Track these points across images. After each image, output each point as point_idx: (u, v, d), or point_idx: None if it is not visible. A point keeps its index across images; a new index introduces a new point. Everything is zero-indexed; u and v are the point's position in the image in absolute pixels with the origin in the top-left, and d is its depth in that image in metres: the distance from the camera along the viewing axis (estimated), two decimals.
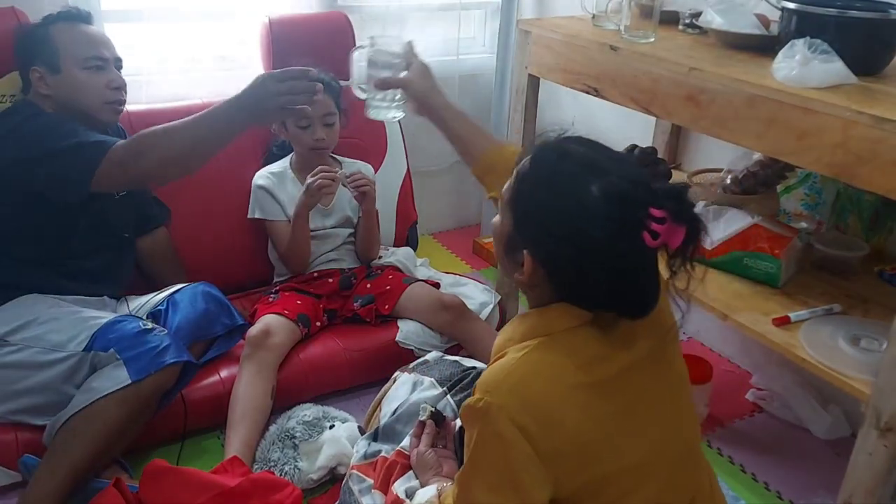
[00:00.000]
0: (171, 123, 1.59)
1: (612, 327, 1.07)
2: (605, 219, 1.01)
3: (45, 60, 1.73)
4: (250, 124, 1.59)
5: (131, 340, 1.60)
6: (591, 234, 1.01)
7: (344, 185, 2.07)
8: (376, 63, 1.43)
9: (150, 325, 1.67)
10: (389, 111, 1.47)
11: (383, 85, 1.44)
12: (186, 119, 1.59)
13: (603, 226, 1.01)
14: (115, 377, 1.55)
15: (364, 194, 2.09)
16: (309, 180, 2.02)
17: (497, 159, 1.41)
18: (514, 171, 1.11)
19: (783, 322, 1.58)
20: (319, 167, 2.03)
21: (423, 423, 1.49)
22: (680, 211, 1.00)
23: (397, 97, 1.46)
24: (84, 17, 1.81)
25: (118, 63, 1.82)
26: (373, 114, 1.48)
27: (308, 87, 1.52)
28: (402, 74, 1.45)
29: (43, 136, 1.63)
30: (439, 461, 1.41)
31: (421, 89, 1.45)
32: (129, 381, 1.54)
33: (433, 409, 1.51)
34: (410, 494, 1.38)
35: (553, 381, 1.04)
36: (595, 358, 1.06)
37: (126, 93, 1.83)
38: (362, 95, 1.48)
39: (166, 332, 1.68)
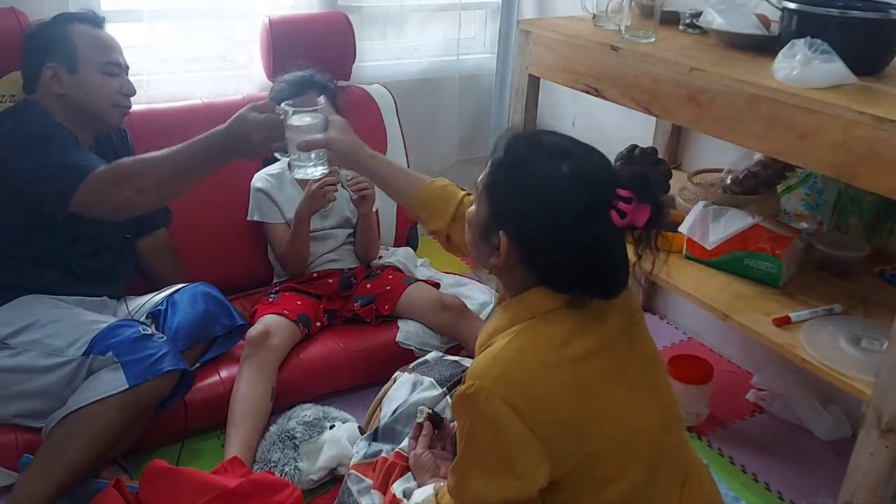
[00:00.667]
0: (153, 154, 1.58)
1: (587, 308, 1.12)
2: (575, 195, 1.07)
3: (63, 59, 1.73)
4: (233, 158, 1.57)
5: (130, 345, 1.59)
6: (562, 210, 1.07)
7: (344, 187, 2.06)
8: (297, 128, 1.47)
9: (149, 330, 1.66)
10: (317, 169, 1.52)
11: (307, 147, 1.47)
12: (168, 150, 1.57)
13: (573, 202, 1.07)
14: (113, 381, 1.55)
15: (364, 198, 2.09)
16: (312, 186, 2.02)
17: (430, 195, 1.46)
18: (489, 162, 1.16)
19: (784, 322, 1.57)
20: (311, 186, 2.02)
21: (420, 426, 1.50)
22: (644, 191, 1.07)
23: (320, 154, 1.50)
24: (100, 22, 1.81)
25: (126, 70, 1.83)
26: (299, 174, 1.54)
27: (280, 123, 1.50)
28: (321, 135, 1.47)
29: (29, 147, 1.62)
30: (437, 463, 1.41)
31: (345, 146, 1.49)
32: (127, 386, 1.54)
33: (430, 411, 1.51)
34: (408, 495, 1.38)
35: (538, 360, 1.08)
36: (574, 335, 1.10)
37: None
38: (284, 158, 1.50)
39: (165, 338, 1.67)
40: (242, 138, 1.50)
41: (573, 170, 1.08)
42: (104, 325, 1.64)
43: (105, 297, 1.86)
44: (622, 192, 1.06)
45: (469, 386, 1.08)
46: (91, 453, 1.53)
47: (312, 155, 1.49)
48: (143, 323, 1.73)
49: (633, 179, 1.08)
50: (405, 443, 1.51)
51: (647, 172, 1.10)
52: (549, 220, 1.08)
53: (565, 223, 1.07)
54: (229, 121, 1.52)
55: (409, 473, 1.46)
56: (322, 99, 1.50)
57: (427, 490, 1.34)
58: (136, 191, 1.57)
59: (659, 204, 1.08)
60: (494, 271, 1.17)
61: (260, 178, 2.17)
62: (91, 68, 1.74)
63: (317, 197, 2.01)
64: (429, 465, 1.41)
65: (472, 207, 1.20)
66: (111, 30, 1.94)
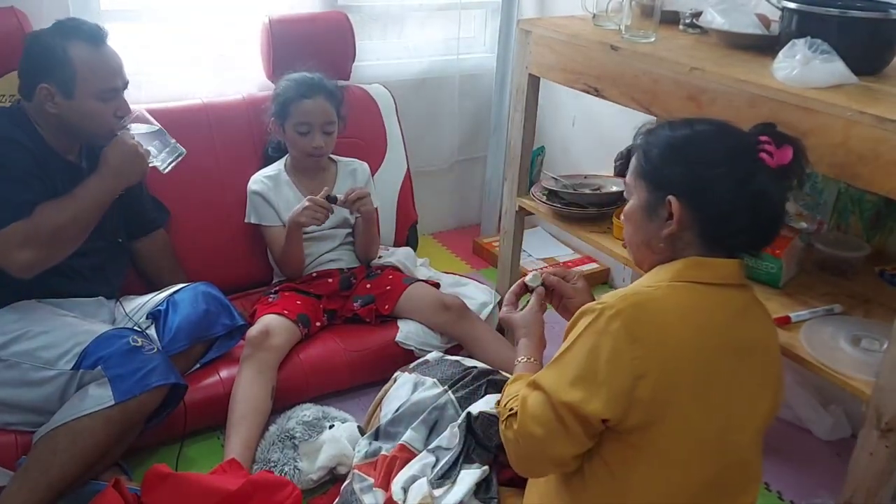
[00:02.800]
0: (55, 213, 1.62)
1: (734, 296, 1.17)
2: (725, 141, 1.18)
3: (60, 83, 1.65)
4: (123, 187, 1.75)
5: (119, 359, 1.57)
6: (718, 153, 1.16)
7: (346, 208, 2.06)
8: (146, 135, 1.78)
9: (140, 341, 1.63)
10: (173, 157, 1.81)
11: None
12: (66, 207, 1.64)
13: (726, 145, 1.17)
14: (99, 397, 1.53)
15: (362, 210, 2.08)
16: (300, 205, 2.00)
17: None
18: (634, 157, 1.24)
19: (784, 322, 1.57)
20: (308, 199, 2.01)
21: (525, 287, 1.51)
22: (779, 135, 1.18)
23: (168, 151, 1.81)
24: (103, 39, 1.71)
25: (125, 86, 1.77)
26: (165, 168, 1.82)
27: (131, 138, 1.73)
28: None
29: None
30: (542, 335, 1.43)
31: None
32: (113, 402, 1.52)
33: (542, 283, 1.52)
34: (407, 488, 1.39)
35: (677, 310, 1.11)
36: (717, 313, 1.14)
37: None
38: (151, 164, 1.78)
39: (156, 350, 1.65)
40: (122, 168, 1.70)
41: (713, 124, 1.20)
42: (94, 335, 1.62)
43: (101, 297, 1.85)
44: (763, 138, 1.17)
45: (598, 303, 1.11)
46: (74, 469, 1.51)
47: (161, 150, 1.80)
48: (136, 331, 1.71)
49: (764, 127, 1.19)
50: (407, 435, 1.51)
51: (769, 124, 1.21)
52: (709, 163, 1.15)
53: (724, 163, 1.14)
54: (100, 165, 1.70)
55: (410, 465, 1.46)
56: (139, 109, 1.76)
57: (422, 485, 1.36)
58: (45, 251, 1.62)
59: (798, 143, 1.17)
60: (663, 247, 1.19)
61: (256, 181, 2.17)
62: (88, 95, 1.67)
63: (306, 214, 2.01)
64: (540, 325, 1.43)
65: (626, 206, 1.26)
66: (110, 29, 1.93)
